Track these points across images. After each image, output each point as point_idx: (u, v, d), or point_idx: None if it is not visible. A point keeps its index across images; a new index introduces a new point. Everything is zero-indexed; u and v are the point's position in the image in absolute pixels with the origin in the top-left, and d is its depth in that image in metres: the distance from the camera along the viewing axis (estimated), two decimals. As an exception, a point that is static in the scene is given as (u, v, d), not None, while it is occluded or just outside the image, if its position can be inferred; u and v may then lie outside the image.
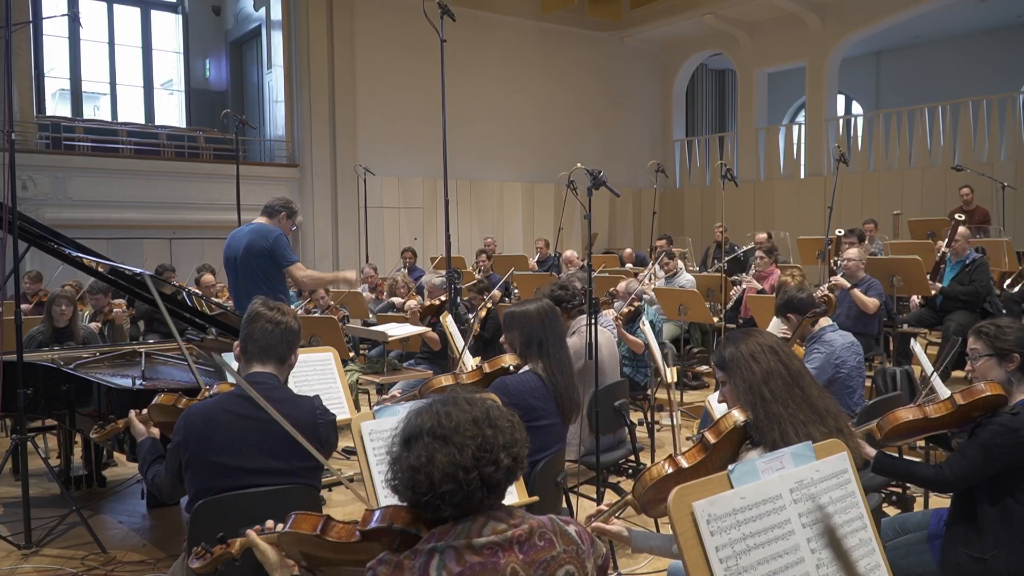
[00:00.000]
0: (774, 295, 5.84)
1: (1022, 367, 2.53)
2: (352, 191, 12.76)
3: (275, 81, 13.27)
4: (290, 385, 2.70)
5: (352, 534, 1.65)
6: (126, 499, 4.78)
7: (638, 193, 16.24)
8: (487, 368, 3.31)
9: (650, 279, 7.79)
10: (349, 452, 5.50)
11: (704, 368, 7.57)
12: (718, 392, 2.30)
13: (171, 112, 14.71)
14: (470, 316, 6.53)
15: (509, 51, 14.80)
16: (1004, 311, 6.39)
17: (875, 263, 6.51)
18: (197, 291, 6.86)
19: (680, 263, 8.15)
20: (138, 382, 3.76)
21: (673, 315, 6.78)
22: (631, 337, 5.38)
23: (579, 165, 5.22)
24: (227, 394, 2.52)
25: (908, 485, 4.08)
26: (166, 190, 11.61)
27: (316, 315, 6.64)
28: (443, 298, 5.95)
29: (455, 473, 1.46)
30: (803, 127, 15.09)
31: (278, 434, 2.44)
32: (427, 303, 6.23)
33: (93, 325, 6.14)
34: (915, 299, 6.43)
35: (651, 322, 5.62)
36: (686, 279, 7.68)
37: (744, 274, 7.63)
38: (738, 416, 2.11)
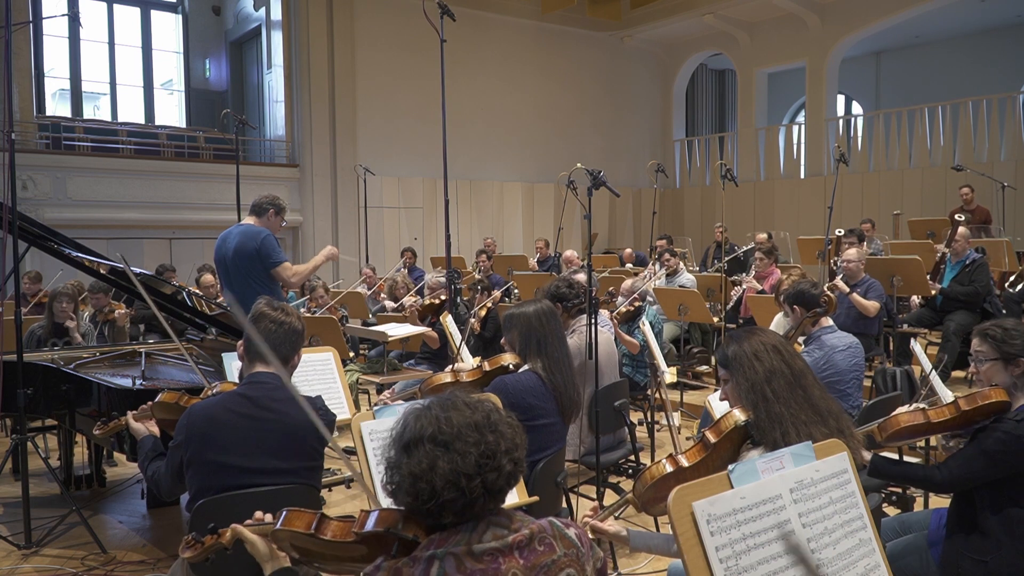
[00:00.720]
0: (774, 295, 5.84)
1: None
2: (352, 191, 12.77)
3: (275, 81, 13.27)
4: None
5: (347, 533, 1.63)
6: (126, 499, 4.78)
7: (638, 193, 16.24)
8: (487, 367, 3.32)
9: (650, 279, 7.80)
10: (349, 452, 5.50)
11: (704, 368, 7.57)
12: (719, 391, 2.30)
13: (171, 112, 14.71)
14: (471, 316, 6.53)
15: (509, 51, 14.80)
16: (1004, 311, 6.39)
17: (875, 263, 6.50)
18: (197, 291, 6.86)
19: (680, 262, 8.15)
20: (138, 382, 3.76)
21: (673, 315, 6.78)
22: (627, 337, 5.38)
23: (579, 165, 5.23)
24: (229, 393, 2.52)
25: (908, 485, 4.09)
26: (166, 190, 11.61)
27: (316, 315, 6.64)
28: (443, 297, 5.95)
29: (457, 481, 1.44)
30: (803, 127, 15.09)
31: (279, 434, 2.45)
32: (426, 302, 6.23)
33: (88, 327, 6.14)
34: (915, 299, 6.43)
35: (651, 322, 5.61)
36: (686, 279, 7.68)
37: (744, 274, 7.63)
38: (739, 416, 2.11)
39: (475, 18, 13.62)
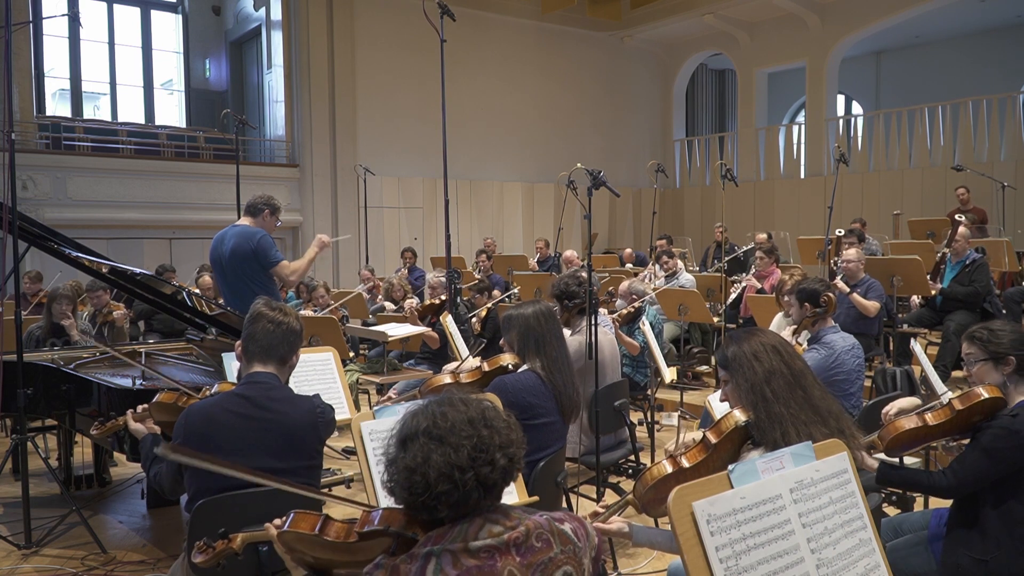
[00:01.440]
0: (774, 295, 5.84)
1: (1018, 369, 2.52)
2: (352, 191, 12.77)
3: (275, 81, 13.27)
4: (290, 385, 2.70)
5: (350, 534, 1.64)
6: (126, 499, 4.78)
7: (638, 193, 16.24)
8: (486, 367, 3.32)
9: (650, 279, 7.80)
10: (349, 452, 5.50)
11: (704, 368, 7.57)
12: (719, 391, 2.30)
13: (171, 112, 14.71)
14: (471, 316, 6.53)
15: (509, 51, 14.80)
16: (1004, 311, 6.39)
17: (875, 263, 6.50)
18: (197, 291, 6.86)
19: (679, 262, 8.15)
20: (138, 382, 3.76)
21: (673, 315, 6.78)
22: (627, 339, 5.38)
23: (579, 165, 5.23)
24: (227, 393, 2.52)
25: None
26: (166, 190, 11.61)
27: (318, 315, 6.64)
28: (443, 297, 5.96)
29: (451, 473, 1.46)
30: (803, 127, 15.10)
31: (278, 433, 2.45)
32: (427, 302, 6.23)
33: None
34: (915, 299, 6.43)
35: (651, 322, 5.61)
36: (686, 279, 7.68)
37: (744, 274, 7.63)
38: (739, 416, 2.11)
39: (475, 18, 13.62)
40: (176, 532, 4.20)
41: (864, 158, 13.86)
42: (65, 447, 4.92)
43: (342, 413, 3.43)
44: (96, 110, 13.99)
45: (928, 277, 6.31)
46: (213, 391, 2.69)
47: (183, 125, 14.02)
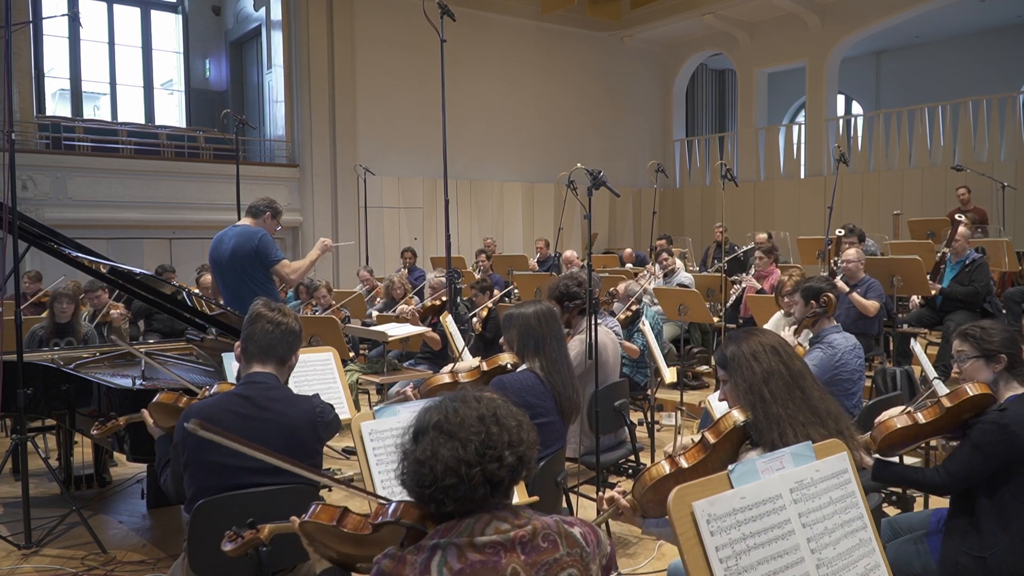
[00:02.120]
0: (774, 295, 5.84)
1: (1009, 367, 2.56)
2: (352, 191, 12.77)
3: (275, 81, 13.27)
4: (290, 385, 2.70)
5: (365, 527, 1.70)
6: (126, 499, 4.78)
7: (638, 193, 16.24)
8: (485, 367, 3.32)
9: (650, 279, 7.80)
10: (349, 452, 5.50)
11: (704, 368, 7.57)
12: (719, 391, 2.30)
13: (171, 112, 14.71)
14: (471, 316, 6.53)
15: (509, 51, 14.80)
16: (1004, 311, 6.39)
17: (875, 263, 6.50)
18: (197, 291, 6.86)
19: (678, 261, 8.15)
20: (138, 382, 3.76)
21: (673, 315, 6.78)
22: (627, 344, 5.38)
23: (579, 165, 5.22)
24: (227, 393, 2.52)
25: (908, 485, 4.08)
26: (166, 190, 11.61)
27: (317, 315, 6.64)
28: (444, 298, 5.96)
29: (458, 467, 1.48)
30: (803, 127, 15.10)
31: (277, 433, 2.45)
32: (427, 303, 6.24)
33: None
34: (915, 299, 6.43)
35: (650, 323, 5.62)
36: (685, 277, 7.68)
37: (744, 274, 7.63)
38: (738, 416, 2.11)
39: (475, 18, 13.62)
40: (176, 532, 4.20)
41: (864, 158, 13.85)
42: (65, 447, 4.92)
43: (342, 413, 3.43)
44: (96, 110, 13.99)
45: (928, 277, 6.30)
46: (212, 391, 2.69)
47: (183, 125, 14.02)
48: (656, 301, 7.05)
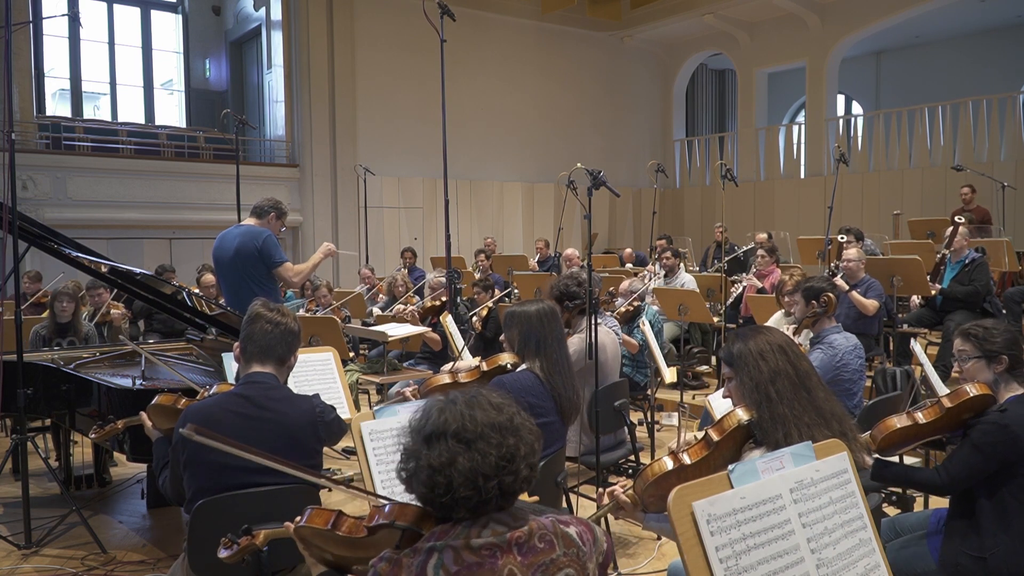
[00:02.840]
0: (774, 295, 5.84)
1: (1010, 368, 2.55)
2: (352, 191, 12.77)
3: (275, 81, 13.27)
4: (290, 385, 2.70)
5: (360, 530, 1.68)
6: (126, 499, 4.78)
7: (638, 193, 16.24)
8: (485, 367, 3.32)
9: (650, 279, 7.79)
10: (349, 452, 5.50)
11: (704, 368, 7.56)
12: (723, 388, 2.29)
13: (171, 112, 14.71)
14: (472, 315, 6.53)
15: (509, 51, 14.80)
16: (1004, 311, 6.39)
17: (875, 263, 6.50)
18: (197, 291, 6.86)
19: (679, 262, 8.13)
20: (138, 382, 3.76)
21: (673, 315, 6.78)
22: (626, 338, 5.38)
23: (579, 165, 5.22)
24: (226, 393, 2.52)
25: (908, 485, 4.08)
26: (166, 190, 11.61)
27: (318, 315, 6.64)
28: (444, 299, 5.96)
29: (475, 480, 1.46)
30: (803, 127, 15.09)
31: (277, 433, 2.45)
32: (427, 303, 6.24)
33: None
34: (915, 299, 6.43)
35: (650, 322, 5.62)
36: (686, 278, 7.68)
37: (744, 273, 7.62)
38: (742, 415, 2.09)
39: (475, 18, 13.62)
40: (176, 532, 4.20)
41: (864, 158, 13.85)
42: (65, 447, 4.92)
43: (342, 413, 3.43)
44: (96, 110, 13.99)
45: (928, 278, 6.30)
46: (212, 392, 2.69)
47: (183, 125, 14.02)
48: (657, 300, 7.05)
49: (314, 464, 2.56)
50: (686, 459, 2.02)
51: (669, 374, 4.98)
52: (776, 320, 5.36)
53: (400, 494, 1.79)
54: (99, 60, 13.75)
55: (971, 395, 2.50)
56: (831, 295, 3.95)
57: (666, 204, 16.03)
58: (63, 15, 12.85)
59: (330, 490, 4.51)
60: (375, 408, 2.63)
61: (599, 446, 3.79)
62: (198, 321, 4.69)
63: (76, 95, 13.34)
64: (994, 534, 2.40)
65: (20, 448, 4.07)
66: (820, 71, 14.40)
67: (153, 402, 2.81)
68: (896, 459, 3.17)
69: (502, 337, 3.38)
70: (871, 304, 5.72)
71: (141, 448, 3.45)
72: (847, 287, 5.75)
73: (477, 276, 7.78)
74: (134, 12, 14.06)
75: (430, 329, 5.85)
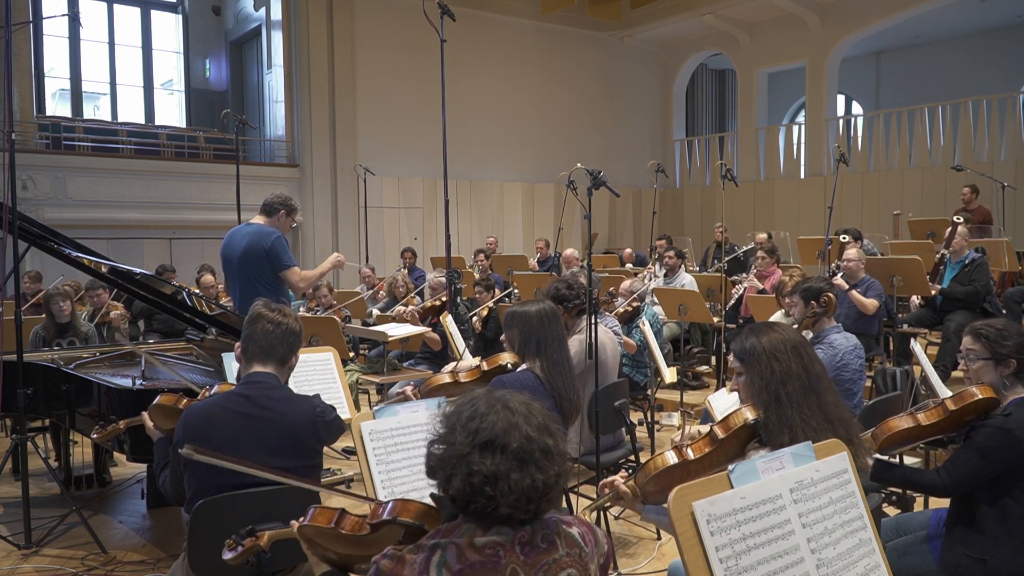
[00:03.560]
0: (775, 295, 5.84)
1: (1017, 372, 2.52)
2: (352, 191, 12.77)
3: (275, 81, 13.27)
4: (290, 385, 2.70)
5: (363, 527, 1.68)
6: (126, 499, 4.78)
7: (638, 193, 16.24)
8: (485, 366, 3.32)
9: (650, 279, 7.79)
10: (349, 452, 5.50)
11: (704, 368, 7.56)
12: (730, 382, 2.27)
13: (171, 112, 14.71)
14: (472, 315, 6.53)
15: (509, 51, 14.80)
16: (1004, 311, 6.39)
17: (875, 263, 6.50)
18: (197, 291, 6.86)
19: (680, 262, 8.14)
20: (138, 382, 3.76)
21: (673, 315, 6.78)
22: (625, 339, 5.38)
23: (579, 165, 5.22)
24: (227, 393, 2.53)
25: (908, 485, 4.08)
26: (166, 190, 11.61)
27: (318, 315, 6.64)
28: (444, 299, 5.96)
29: (520, 499, 1.45)
30: (803, 127, 15.09)
31: (277, 433, 2.45)
32: (427, 303, 6.24)
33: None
34: (915, 299, 6.43)
35: (650, 322, 5.62)
36: (687, 278, 7.68)
37: (744, 274, 7.63)
38: (748, 414, 2.07)
39: (475, 18, 13.61)
40: (176, 532, 4.20)
41: (864, 158, 13.85)
42: (64, 447, 4.92)
43: (342, 413, 3.43)
44: (96, 110, 13.99)
45: (928, 278, 6.30)
46: (213, 392, 2.69)
47: (183, 125, 14.02)
48: (657, 301, 7.05)
49: (314, 464, 2.56)
50: (690, 454, 2.01)
51: (669, 374, 4.98)
52: (777, 319, 5.36)
53: (401, 494, 1.80)
54: (99, 60, 13.75)
55: (976, 398, 2.48)
56: (831, 295, 3.95)
57: (666, 204, 16.03)
58: (63, 15, 12.85)
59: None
60: (375, 408, 2.63)
61: (599, 446, 3.79)
62: (198, 321, 4.69)
63: (76, 95, 13.35)
64: (995, 536, 2.39)
65: (20, 448, 4.07)
66: (820, 71, 14.40)
67: (154, 402, 2.81)
68: (896, 460, 3.17)
69: (503, 337, 3.38)
70: (871, 303, 5.72)
71: (141, 448, 3.45)
72: (847, 286, 5.76)
73: (477, 276, 7.78)
74: (134, 12, 14.06)
75: (430, 329, 5.85)
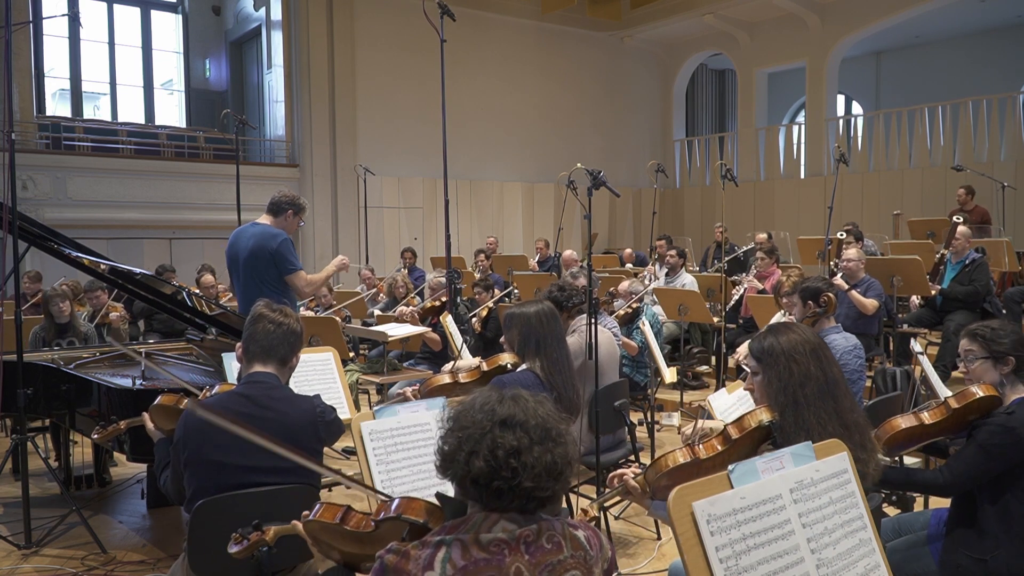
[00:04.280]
0: (774, 295, 5.83)
1: (1016, 370, 2.53)
2: (352, 191, 12.77)
3: (275, 81, 13.27)
4: (290, 385, 2.70)
5: (368, 524, 1.70)
6: (126, 499, 4.78)
7: (638, 193, 16.24)
8: (485, 367, 3.32)
9: (650, 279, 7.79)
10: (349, 452, 5.50)
11: (704, 368, 7.56)
12: (745, 381, 2.25)
13: (171, 112, 14.71)
14: (471, 316, 6.53)
15: (509, 51, 14.80)
16: (1004, 311, 6.39)
17: (875, 263, 6.50)
18: (197, 291, 6.85)
19: (681, 261, 8.14)
20: (138, 382, 3.76)
21: (673, 315, 6.78)
22: (625, 340, 5.38)
23: (579, 165, 5.22)
24: (228, 392, 2.53)
25: (908, 485, 4.08)
26: (166, 190, 11.61)
27: (318, 315, 6.64)
28: (444, 299, 5.96)
29: (541, 473, 1.49)
30: (803, 127, 15.09)
31: (278, 433, 2.45)
32: (427, 304, 6.24)
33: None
34: (915, 299, 6.43)
35: (650, 322, 5.62)
36: (687, 279, 7.68)
37: (744, 274, 7.63)
38: (763, 416, 2.06)
39: (475, 18, 13.61)
40: (176, 532, 4.20)
41: (864, 158, 13.85)
42: (64, 447, 4.92)
43: (342, 413, 3.43)
44: (96, 110, 13.99)
45: (928, 278, 6.31)
46: (214, 392, 2.69)
47: (183, 125, 14.02)
48: (657, 301, 7.05)
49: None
50: (702, 453, 2.00)
51: (669, 374, 4.98)
52: (776, 320, 5.35)
53: (401, 494, 1.80)
54: (99, 60, 13.75)
55: (977, 396, 2.48)
56: (831, 295, 3.95)
57: (666, 204, 16.03)
58: (63, 15, 12.85)
59: (331, 490, 4.52)
60: (375, 408, 2.64)
61: (599, 446, 3.79)
62: (198, 321, 4.68)
63: (76, 95, 13.35)
64: (996, 537, 2.39)
65: (20, 448, 4.07)
66: (820, 71, 14.40)
67: (155, 403, 2.81)
68: (897, 458, 3.17)
69: (502, 339, 3.38)
70: (870, 303, 5.72)
71: (141, 448, 3.45)
72: (846, 286, 5.75)
73: (477, 276, 7.78)
74: (134, 12, 14.07)
75: (430, 329, 5.85)
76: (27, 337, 5.33)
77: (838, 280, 5.79)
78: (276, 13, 13.03)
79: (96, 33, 13.57)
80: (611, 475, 2.13)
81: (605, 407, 3.95)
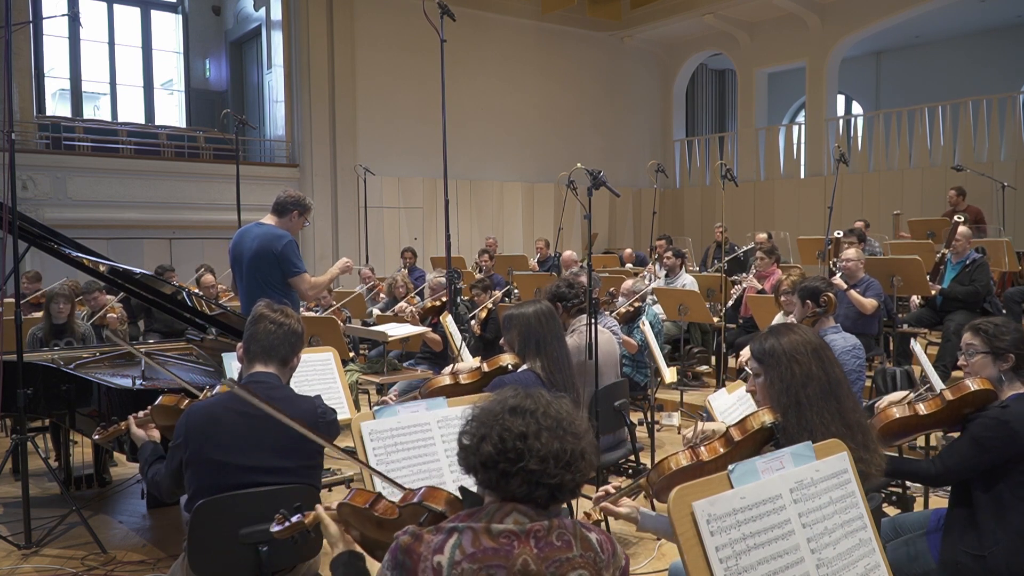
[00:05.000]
0: (774, 295, 5.83)
1: (1015, 367, 2.55)
2: (352, 191, 12.77)
3: (275, 81, 13.27)
4: (291, 385, 2.70)
5: (393, 511, 1.76)
6: (126, 499, 4.78)
7: (638, 193, 16.24)
8: (486, 367, 3.32)
9: (650, 279, 7.79)
10: (349, 452, 5.50)
11: (704, 368, 7.56)
12: (747, 383, 2.25)
13: (171, 112, 14.71)
14: (471, 317, 6.54)
15: (509, 51, 14.80)
16: (1004, 311, 6.39)
17: (875, 263, 6.50)
18: (197, 291, 6.85)
19: (680, 262, 8.13)
20: (138, 382, 3.76)
21: (673, 315, 6.78)
22: (626, 338, 5.39)
23: (579, 165, 5.23)
24: (229, 393, 2.53)
25: (908, 484, 4.09)
26: (166, 190, 11.61)
27: (318, 315, 6.64)
28: (444, 299, 5.96)
29: (547, 459, 1.50)
30: (803, 127, 15.09)
31: (279, 432, 2.45)
32: (427, 304, 6.24)
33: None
34: (915, 299, 6.43)
35: (650, 322, 5.62)
36: (687, 279, 7.68)
37: (744, 274, 7.63)
38: (766, 417, 2.06)
39: (475, 18, 13.62)
40: (176, 532, 4.20)
41: (864, 158, 13.85)
42: (64, 447, 4.92)
43: (342, 413, 3.43)
44: (96, 110, 13.99)
45: (928, 278, 6.31)
46: (215, 392, 2.69)
47: (183, 125, 14.02)
48: (657, 300, 7.05)
49: (315, 464, 2.57)
50: (704, 455, 2.00)
51: (669, 374, 4.98)
52: (776, 321, 5.36)
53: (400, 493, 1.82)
54: (99, 60, 13.75)
55: (972, 389, 2.51)
56: (830, 295, 3.95)
57: (666, 204, 16.03)
58: (63, 15, 12.85)
59: (330, 490, 4.52)
60: (375, 408, 2.63)
61: (599, 446, 3.79)
62: (198, 321, 4.68)
63: (76, 95, 13.35)
64: (993, 532, 2.41)
65: (20, 448, 4.07)
66: (820, 71, 14.40)
67: (156, 403, 2.81)
68: (895, 454, 3.17)
69: (503, 340, 3.38)
70: (869, 303, 5.72)
71: (141, 448, 3.45)
72: (844, 286, 5.75)
73: (478, 276, 7.78)
74: (134, 12, 14.07)
75: (430, 329, 5.85)
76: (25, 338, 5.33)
77: (837, 280, 5.78)
78: (276, 13, 13.03)
79: (96, 33, 13.57)
80: (595, 497, 2.15)
81: (605, 407, 3.95)
